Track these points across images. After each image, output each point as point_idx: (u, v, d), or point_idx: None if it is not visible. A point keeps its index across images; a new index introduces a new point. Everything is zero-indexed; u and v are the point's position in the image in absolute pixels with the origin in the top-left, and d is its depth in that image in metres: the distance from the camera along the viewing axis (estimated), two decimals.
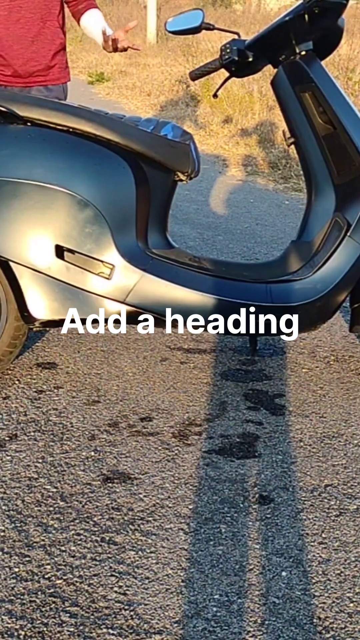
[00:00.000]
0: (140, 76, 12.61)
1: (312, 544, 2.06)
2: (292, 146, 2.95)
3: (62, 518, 2.12)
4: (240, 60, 2.91)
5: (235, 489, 2.29)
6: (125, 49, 3.12)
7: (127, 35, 3.14)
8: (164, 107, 10.05)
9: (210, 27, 2.95)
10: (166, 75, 11.72)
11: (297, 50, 2.81)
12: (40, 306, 2.67)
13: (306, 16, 2.69)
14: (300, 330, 2.93)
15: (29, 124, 2.65)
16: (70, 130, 2.65)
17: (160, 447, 2.49)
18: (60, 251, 2.63)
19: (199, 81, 8.92)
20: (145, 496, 2.23)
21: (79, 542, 2.03)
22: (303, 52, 2.81)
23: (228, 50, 2.91)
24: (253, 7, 31.72)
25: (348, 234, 2.73)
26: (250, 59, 2.91)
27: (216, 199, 5.91)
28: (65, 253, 2.64)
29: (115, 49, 3.13)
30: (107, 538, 2.05)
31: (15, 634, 1.72)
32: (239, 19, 23.21)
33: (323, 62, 2.88)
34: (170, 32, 3.03)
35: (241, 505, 2.21)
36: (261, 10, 27.90)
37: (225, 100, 8.70)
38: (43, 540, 2.03)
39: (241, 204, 5.77)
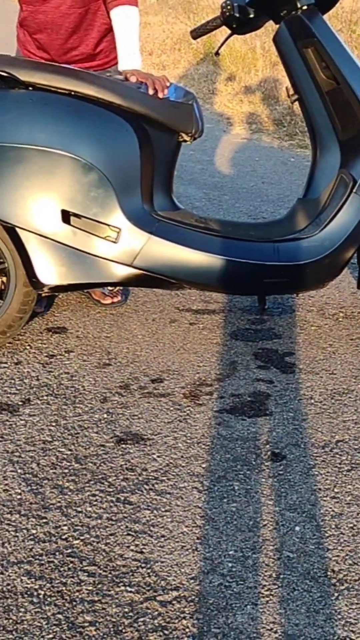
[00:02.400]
0: (142, 35, 12.41)
1: (324, 498, 2.08)
2: (296, 103, 2.93)
3: (77, 480, 2.15)
4: (241, 17, 2.87)
5: (247, 447, 2.31)
6: None
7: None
8: (166, 66, 9.94)
9: None
10: (167, 33, 11.56)
11: (299, 5, 2.78)
12: (48, 271, 2.68)
13: None
14: (309, 288, 2.94)
15: (30, 88, 2.63)
16: (72, 93, 2.64)
17: (171, 408, 2.51)
18: (66, 216, 2.64)
19: (201, 39, 8.82)
20: (158, 456, 2.26)
21: (95, 503, 2.06)
22: (304, 7, 2.78)
23: (229, 7, 2.88)
24: None
25: (354, 190, 2.72)
26: (252, 16, 2.87)
27: (221, 158, 5.87)
28: (72, 217, 2.64)
29: None
30: (122, 498, 2.08)
31: (35, 593, 1.76)
32: None
33: (325, 16, 2.85)
34: None
35: (254, 463, 2.24)
36: None
37: (227, 58, 8.60)
38: (59, 502, 2.06)
39: (246, 162, 5.74)
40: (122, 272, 2.71)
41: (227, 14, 2.89)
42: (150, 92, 2.67)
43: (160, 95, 2.69)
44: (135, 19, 2.85)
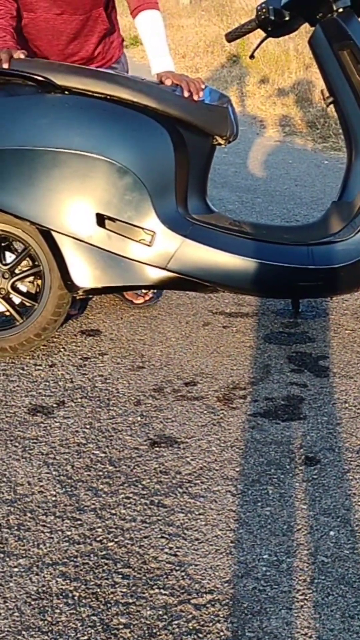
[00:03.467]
0: (175, 38, 12.48)
1: (359, 503, 2.07)
2: (331, 106, 2.92)
3: (111, 482, 2.16)
4: (276, 20, 2.87)
5: (281, 450, 2.31)
6: None
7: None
8: (199, 68, 9.95)
9: None
10: (200, 36, 11.57)
11: (335, 8, 2.77)
12: (83, 274, 2.69)
13: None
14: (342, 292, 2.93)
15: (66, 92, 2.65)
16: (108, 97, 2.65)
17: (205, 411, 2.51)
18: (101, 219, 2.65)
19: (234, 41, 8.81)
20: (192, 459, 2.26)
21: (129, 506, 2.07)
22: (340, 9, 2.77)
23: (264, 10, 2.88)
24: None
25: None
26: (287, 18, 2.87)
27: (254, 160, 5.87)
28: (106, 221, 2.66)
29: None
30: (156, 501, 2.09)
31: (70, 595, 1.77)
32: None
33: None
34: None
35: (288, 467, 2.23)
36: None
37: (261, 60, 8.58)
38: (93, 504, 2.07)
39: (280, 165, 5.73)
40: (156, 275, 2.72)
41: (263, 17, 2.88)
42: (186, 94, 2.68)
43: (195, 97, 2.69)
44: (161, 22, 2.86)
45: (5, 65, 2.60)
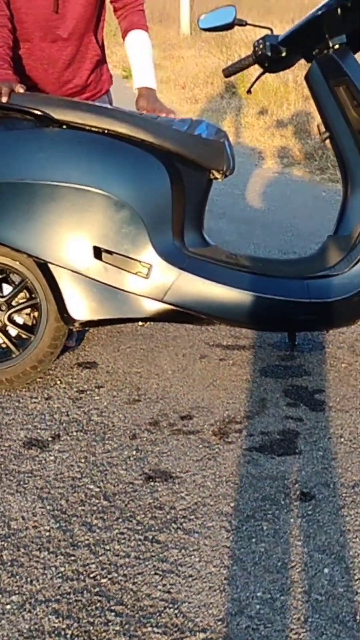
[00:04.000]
0: (175, 69, 12.59)
1: (353, 540, 2.06)
2: (328, 140, 2.94)
3: (105, 517, 2.16)
4: (273, 56, 2.90)
5: (276, 486, 2.30)
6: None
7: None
8: (198, 99, 10.03)
9: (242, 24, 2.95)
10: (200, 67, 11.68)
11: (331, 44, 2.80)
12: (80, 307, 2.70)
13: (339, 10, 2.68)
14: (338, 325, 2.93)
15: (64, 126, 2.67)
16: (105, 131, 2.67)
17: (200, 446, 2.51)
18: (98, 252, 2.66)
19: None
20: (187, 494, 2.26)
21: (123, 541, 2.06)
22: (336, 46, 2.80)
23: (261, 46, 2.91)
24: None
25: None
26: (284, 54, 2.90)
27: (252, 192, 5.90)
28: (103, 254, 2.67)
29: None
30: (150, 537, 2.08)
31: (62, 633, 1.76)
32: (273, 7, 23.06)
33: (358, 55, 2.87)
34: (203, 29, 3.05)
35: (282, 503, 2.22)
36: None
37: (260, 92, 8.65)
38: (87, 539, 2.07)
39: (278, 196, 5.76)
40: (152, 307, 2.73)
41: (260, 52, 2.92)
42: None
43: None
44: (148, 42, 3.00)
45: (5, 99, 2.62)
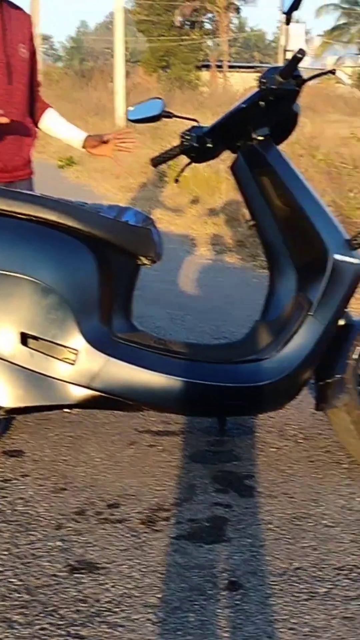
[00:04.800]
0: (109, 159, 12.81)
1: (281, 630, 2.02)
2: (254, 228, 3.00)
3: (27, 612, 2.07)
4: (199, 147, 2.98)
5: (204, 575, 2.25)
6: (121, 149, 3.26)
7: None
8: (132, 188, 10.20)
9: (169, 115, 3.03)
10: (135, 157, 11.89)
11: (254, 136, 2.89)
12: (5, 394, 2.65)
13: (262, 103, 2.78)
14: (267, 409, 2.94)
15: None
16: (33, 218, 2.68)
17: (127, 535, 2.45)
18: (24, 338, 2.63)
19: (167, 164, 9.10)
20: (112, 586, 2.19)
21: (44, 637, 1.98)
22: (260, 138, 2.89)
23: (188, 137, 2.99)
24: (219, 89, 32.64)
25: (310, 312, 2.77)
26: (210, 145, 2.98)
27: (185, 278, 5.97)
28: (30, 340, 2.64)
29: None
30: (73, 632, 2.00)
31: None
32: (205, 101, 23.81)
33: (286, 142, 2.97)
34: (131, 120, 3.12)
35: (210, 592, 2.17)
36: (227, 92, 28.68)
37: (192, 181, 8.85)
38: (7, 636, 1.98)
39: (210, 282, 5.83)
40: (80, 393, 2.69)
41: (186, 143, 2.99)
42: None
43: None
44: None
45: None
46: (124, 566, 2.29)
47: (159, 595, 2.16)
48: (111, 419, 3.29)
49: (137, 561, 2.31)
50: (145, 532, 2.47)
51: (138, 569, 2.27)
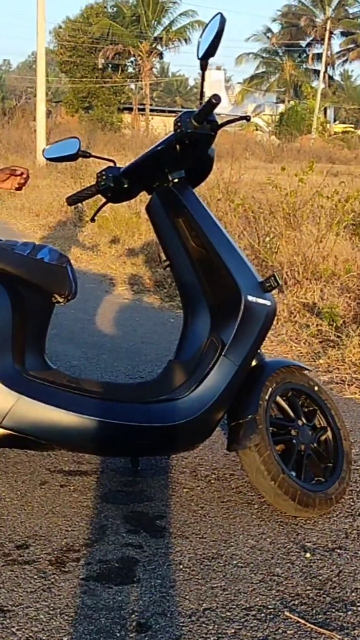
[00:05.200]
0: (30, 197, 12.79)
1: None
2: (169, 268, 3.03)
3: None
4: (115, 187, 3.00)
5: (112, 617, 2.22)
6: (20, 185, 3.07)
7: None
8: (52, 227, 10.18)
9: (86, 155, 3.04)
10: (55, 196, 11.93)
11: (170, 178, 2.92)
12: None
13: (177, 146, 2.82)
14: (180, 449, 2.95)
15: None
16: None
17: (36, 576, 2.41)
18: None
19: (86, 203, 9.13)
20: (18, 629, 2.14)
21: None
22: (176, 180, 2.92)
23: (104, 177, 3.01)
24: (142, 131, 33.03)
25: (223, 353, 2.79)
26: (126, 186, 3.00)
27: (102, 317, 5.96)
28: None
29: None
30: None
31: None
32: (127, 143, 24.05)
33: (205, 186, 3.01)
34: (47, 159, 3.13)
35: (118, 635, 2.14)
36: (149, 134, 29.03)
37: (112, 221, 8.90)
38: None
39: (127, 322, 5.84)
40: None
41: (102, 183, 3.01)
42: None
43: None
44: None
45: None
46: (30, 609, 2.24)
47: (66, 639, 2.12)
48: (23, 458, 3.24)
49: (45, 603, 2.27)
50: (54, 574, 2.43)
51: (45, 612, 2.23)
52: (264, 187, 8.78)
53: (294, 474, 2.86)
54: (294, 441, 2.93)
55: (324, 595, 2.38)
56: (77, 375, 3.48)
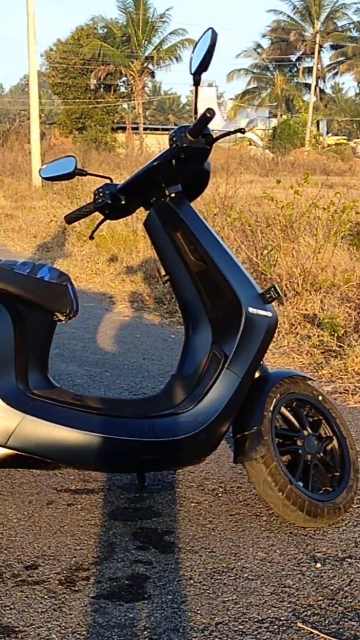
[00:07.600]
0: (27, 219, 12.83)
1: None
2: (168, 283, 3.03)
3: None
4: (113, 204, 3.01)
5: (124, 634, 2.21)
6: None
7: None
8: (50, 248, 10.20)
9: (83, 173, 3.05)
10: (51, 217, 11.95)
11: (167, 193, 2.93)
12: None
13: (173, 161, 2.83)
14: (186, 463, 2.94)
15: None
16: None
17: (46, 596, 2.39)
18: None
19: (83, 221, 9.15)
20: None
21: None
22: (172, 194, 2.93)
23: (101, 194, 3.02)
24: (136, 150, 33.15)
25: (226, 365, 2.79)
26: (123, 202, 3.01)
27: (103, 335, 5.95)
28: None
29: None
30: None
31: None
32: (122, 162, 24.14)
33: (202, 201, 3.01)
34: (44, 178, 3.14)
35: None
36: (143, 153, 29.14)
37: (110, 240, 8.91)
38: None
39: (128, 339, 5.83)
40: None
41: (100, 200, 3.02)
42: None
43: None
44: None
45: None
46: (42, 629, 2.22)
47: None
48: (29, 478, 3.23)
49: (56, 623, 2.26)
50: (64, 593, 2.41)
51: (57, 631, 2.21)
52: (260, 201, 8.81)
53: (301, 484, 2.85)
54: (300, 451, 2.93)
55: (336, 605, 2.37)
56: (80, 393, 3.46)
